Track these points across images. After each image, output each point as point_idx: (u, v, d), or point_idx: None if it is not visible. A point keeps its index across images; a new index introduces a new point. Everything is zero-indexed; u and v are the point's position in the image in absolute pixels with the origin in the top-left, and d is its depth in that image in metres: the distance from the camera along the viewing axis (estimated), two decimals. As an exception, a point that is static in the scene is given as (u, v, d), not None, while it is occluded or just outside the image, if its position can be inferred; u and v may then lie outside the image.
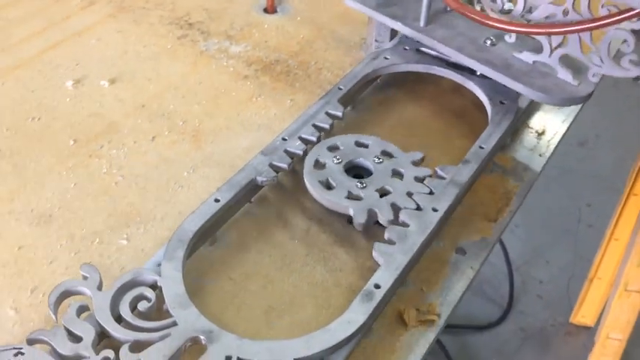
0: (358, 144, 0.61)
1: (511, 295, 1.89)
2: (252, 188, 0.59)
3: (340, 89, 0.68)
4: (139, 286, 0.50)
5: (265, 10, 0.86)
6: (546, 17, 0.64)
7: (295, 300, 0.54)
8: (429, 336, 0.51)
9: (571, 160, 2.12)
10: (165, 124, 0.69)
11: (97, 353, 0.46)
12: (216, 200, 0.56)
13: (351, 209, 0.56)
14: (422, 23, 0.71)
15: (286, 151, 0.60)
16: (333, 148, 0.60)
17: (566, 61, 0.65)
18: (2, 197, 0.60)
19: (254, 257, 0.57)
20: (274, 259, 0.56)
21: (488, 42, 0.69)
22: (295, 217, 0.60)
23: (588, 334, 1.68)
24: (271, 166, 0.59)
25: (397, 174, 0.60)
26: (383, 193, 0.58)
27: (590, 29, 0.61)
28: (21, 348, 0.46)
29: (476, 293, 2.08)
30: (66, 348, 0.46)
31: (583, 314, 1.76)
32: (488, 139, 0.65)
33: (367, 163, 0.60)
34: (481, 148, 0.64)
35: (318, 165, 0.59)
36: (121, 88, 0.73)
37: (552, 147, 0.69)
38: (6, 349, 0.46)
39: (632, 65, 0.62)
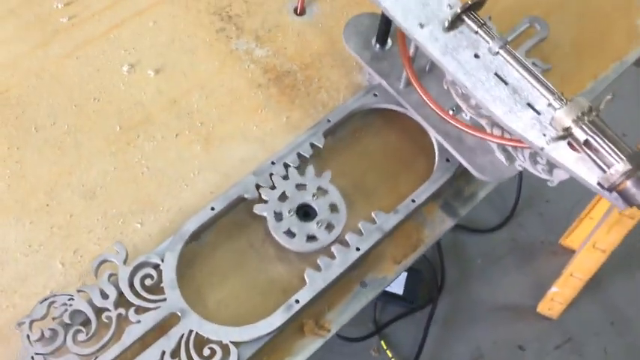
0: (299, 187, 0.82)
1: (514, 207, 2.10)
2: (239, 201, 0.82)
3: (328, 121, 0.87)
4: (148, 267, 0.76)
5: (295, 10, 1.01)
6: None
7: (240, 296, 0.80)
8: (317, 344, 0.78)
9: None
10: (187, 123, 0.91)
11: (116, 309, 0.73)
12: (212, 208, 0.79)
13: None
14: (401, 85, 0.87)
15: (270, 175, 0.81)
16: (283, 197, 0.81)
17: (503, 148, 0.83)
18: (65, 170, 0.86)
19: (221, 255, 0.82)
20: (233, 260, 0.82)
21: (451, 111, 0.85)
22: (258, 230, 0.84)
23: (570, 257, 1.91)
24: (256, 186, 0.81)
25: (334, 207, 0.81)
26: (329, 226, 0.80)
27: (500, 143, 0.78)
28: (72, 295, 0.74)
29: (483, 199, 2.32)
30: (98, 301, 0.73)
31: (572, 239, 1.96)
32: (422, 194, 0.85)
33: (310, 201, 0.81)
34: (413, 201, 0.84)
35: (278, 217, 0.80)
36: (162, 79, 0.94)
37: (468, 208, 0.88)
38: (63, 295, 0.74)
39: (544, 171, 0.80)
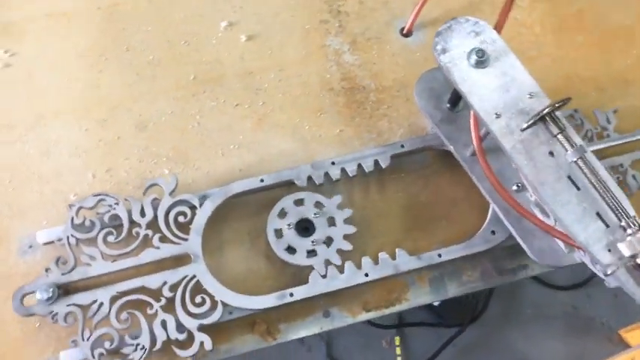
0: (296, 202, 0.84)
1: (591, 276, 2.00)
2: (288, 184, 0.86)
3: (402, 147, 0.88)
4: (186, 206, 0.83)
5: (402, 30, 1.01)
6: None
7: (253, 266, 0.85)
8: (256, 346, 0.84)
9: None
10: (251, 98, 0.96)
11: (146, 229, 0.80)
12: (261, 180, 0.84)
13: (314, 266, 0.81)
14: (468, 154, 0.86)
15: (326, 175, 0.86)
16: (282, 214, 0.84)
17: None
18: (133, 95, 0.95)
19: (250, 224, 0.87)
20: (259, 233, 0.86)
21: (515, 187, 0.82)
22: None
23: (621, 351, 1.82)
24: (309, 178, 0.85)
25: (332, 223, 0.84)
26: (328, 241, 0.83)
27: (562, 240, 0.75)
28: (118, 201, 0.81)
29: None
30: (136, 215, 0.81)
31: (632, 335, 1.86)
32: (451, 253, 0.84)
33: (309, 217, 0.84)
34: (439, 256, 0.84)
35: (278, 234, 0.83)
36: (250, 47, 0.99)
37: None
38: (112, 197, 0.82)
39: (600, 272, 0.76)
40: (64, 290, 0.80)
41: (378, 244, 0.86)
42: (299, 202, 0.84)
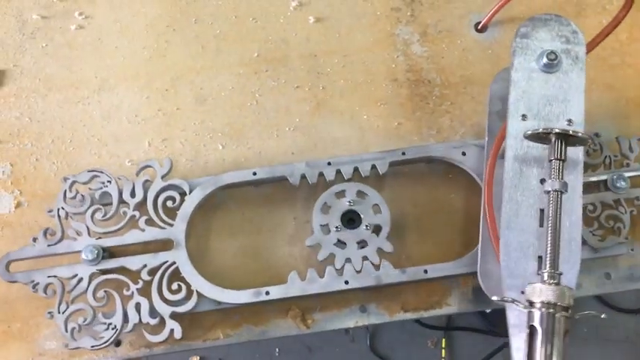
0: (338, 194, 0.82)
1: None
2: (281, 179, 0.84)
3: (403, 154, 0.83)
4: (176, 191, 0.82)
5: (476, 25, 0.96)
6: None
7: (236, 260, 0.86)
8: (290, 331, 0.83)
9: None
10: (312, 81, 0.94)
11: (134, 210, 0.81)
12: (254, 173, 0.83)
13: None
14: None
15: (321, 174, 0.83)
16: (339, 194, 0.82)
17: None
18: (196, 67, 0.95)
19: (243, 217, 0.87)
20: (251, 228, 0.86)
21: None
22: (286, 212, 0.87)
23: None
24: (302, 176, 0.83)
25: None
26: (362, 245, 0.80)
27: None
28: (111, 179, 0.81)
29: None
30: (126, 195, 0.81)
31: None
32: (438, 270, 0.80)
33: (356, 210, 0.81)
34: (425, 272, 0.80)
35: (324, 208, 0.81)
36: (317, 30, 0.97)
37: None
38: (106, 174, 0.81)
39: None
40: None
41: (368, 252, 0.81)
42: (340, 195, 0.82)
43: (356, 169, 0.83)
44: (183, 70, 0.94)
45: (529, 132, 0.66)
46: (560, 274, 0.63)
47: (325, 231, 0.81)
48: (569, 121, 0.69)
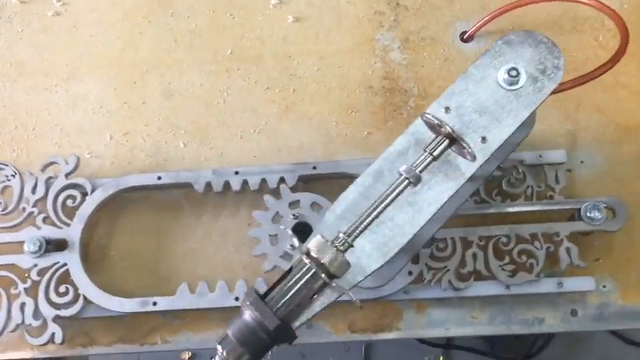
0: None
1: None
2: (186, 186, 0.81)
3: (314, 168, 0.80)
4: (78, 190, 0.80)
5: (462, 34, 0.91)
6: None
7: (133, 267, 0.83)
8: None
9: None
10: (284, 82, 0.90)
11: (33, 206, 0.79)
12: (159, 178, 0.80)
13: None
14: None
15: (227, 183, 0.79)
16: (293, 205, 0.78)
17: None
18: (166, 62, 0.91)
19: (145, 222, 0.84)
20: (152, 234, 0.84)
21: None
22: (191, 219, 0.84)
23: None
24: (207, 184, 0.80)
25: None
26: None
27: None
28: (15, 174, 0.80)
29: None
30: (27, 191, 0.79)
31: None
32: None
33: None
34: None
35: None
36: (295, 29, 0.92)
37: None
38: (10, 168, 0.82)
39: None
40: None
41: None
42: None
43: (264, 181, 0.79)
44: (154, 64, 0.92)
45: (428, 114, 0.60)
46: (351, 245, 0.57)
47: (273, 241, 0.77)
48: (484, 138, 0.63)
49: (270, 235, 0.77)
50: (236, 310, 0.56)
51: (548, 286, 0.75)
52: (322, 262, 0.55)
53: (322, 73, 0.90)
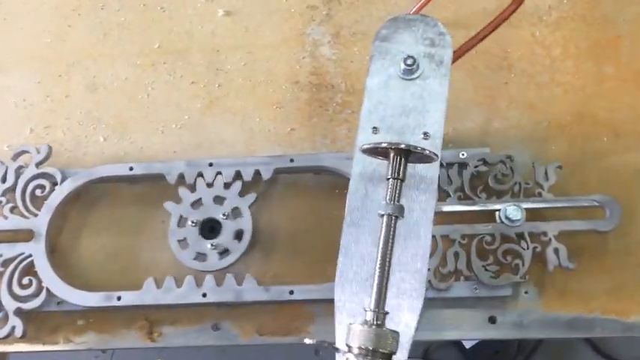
0: (217, 199, 0.75)
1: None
2: (158, 178, 0.78)
3: (291, 161, 0.76)
4: (49, 180, 0.78)
5: (395, 29, 0.87)
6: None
7: (100, 258, 0.80)
8: (134, 344, 0.76)
9: None
10: (209, 77, 0.86)
11: (2, 195, 0.77)
12: (131, 168, 0.78)
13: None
14: None
15: (200, 175, 0.77)
16: (197, 204, 0.75)
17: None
18: (94, 54, 0.89)
19: (114, 215, 0.81)
20: (121, 227, 0.81)
21: None
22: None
23: None
24: (180, 176, 0.77)
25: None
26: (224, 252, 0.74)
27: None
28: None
29: None
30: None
31: None
32: (304, 293, 0.72)
33: (220, 218, 0.74)
34: (290, 292, 0.72)
35: (181, 222, 0.74)
36: (224, 24, 0.89)
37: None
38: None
39: None
40: None
41: (242, 267, 0.75)
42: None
43: (238, 173, 0.76)
44: (81, 57, 0.90)
45: (365, 146, 0.56)
46: (386, 313, 0.53)
47: (183, 245, 0.74)
48: (425, 134, 0.60)
49: (178, 241, 0.74)
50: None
51: (464, 290, 0.71)
52: (372, 348, 0.49)
53: (249, 67, 0.87)
